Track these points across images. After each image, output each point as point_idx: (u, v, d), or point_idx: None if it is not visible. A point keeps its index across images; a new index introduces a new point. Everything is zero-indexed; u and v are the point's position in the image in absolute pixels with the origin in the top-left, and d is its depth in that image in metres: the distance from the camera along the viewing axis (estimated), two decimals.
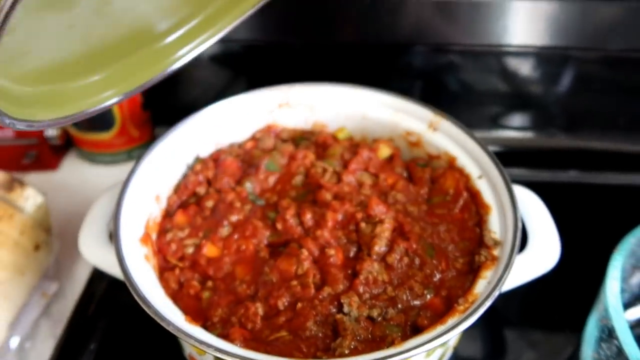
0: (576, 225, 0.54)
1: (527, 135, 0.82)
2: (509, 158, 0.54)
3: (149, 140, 0.81)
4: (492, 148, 0.55)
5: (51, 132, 0.76)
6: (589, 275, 0.57)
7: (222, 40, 0.76)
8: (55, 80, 0.41)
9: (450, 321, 0.41)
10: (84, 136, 0.78)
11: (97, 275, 0.62)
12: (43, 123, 0.41)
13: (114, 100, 0.44)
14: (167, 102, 0.83)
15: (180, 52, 0.48)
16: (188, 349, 0.48)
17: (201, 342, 0.39)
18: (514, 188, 0.51)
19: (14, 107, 0.37)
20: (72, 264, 0.65)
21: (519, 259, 0.47)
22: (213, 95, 0.62)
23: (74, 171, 0.81)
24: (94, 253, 0.50)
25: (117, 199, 0.49)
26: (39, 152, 0.77)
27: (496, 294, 0.42)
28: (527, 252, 0.49)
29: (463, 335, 0.56)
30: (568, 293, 0.61)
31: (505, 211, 0.50)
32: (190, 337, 0.39)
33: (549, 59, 0.76)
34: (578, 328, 0.54)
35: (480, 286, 0.45)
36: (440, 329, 0.41)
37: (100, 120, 0.76)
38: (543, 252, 0.49)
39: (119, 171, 0.79)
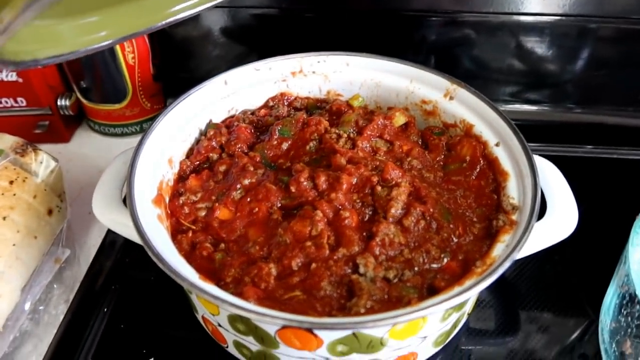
0: (591, 200, 0.53)
1: (543, 109, 0.81)
2: (524, 132, 0.53)
3: (160, 112, 0.81)
4: None
5: (64, 102, 0.76)
6: (603, 249, 0.57)
7: (234, 9, 0.76)
8: (55, 16, 0.41)
9: (468, 282, 0.41)
10: (96, 107, 0.77)
11: (109, 243, 0.62)
12: (45, 60, 0.41)
13: (108, 42, 0.44)
14: (179, 74, 0.82)
15: (178, 7, 0.47)
16: (201, 310, 0.48)
17: (216, 298, 0.38)
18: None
19: (15, 46, 0.37)
20: (84, 233, 0.65)
21: (538, 226, 0.46)
22: (224, 68, 0.61)
23: (86, 143, 0.81)
24: (107, 215, 0.49)
25: (131, 159, 0.48)
26: (50, 122, 0.77)
27: (515, 256, 0.41)
28: (545, 219, 0.48)
29: (476, 308, 0.56)
30: (582, 267, 0.60)
31: (524, 177, 0.49)
32: (206, 292, 0.39)
33: (565, 31, 0.75)
34: (594, 301, 0.54)
35: (498, 249, 0.44)
36: (457, 289, 0.40)
37: (113, 92, 0.76)
38: (561, 218, 0.48)
39: (130, 143, 0.78)
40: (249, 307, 0.38)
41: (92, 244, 0.63)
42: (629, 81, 0.79)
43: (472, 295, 0.40)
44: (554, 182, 0.52)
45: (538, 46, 0.76)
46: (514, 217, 0.47)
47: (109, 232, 0.63)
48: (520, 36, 0.76)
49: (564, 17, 0.72)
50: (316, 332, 0.40)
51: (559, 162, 0.54)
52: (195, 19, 0.76)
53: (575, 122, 0.80)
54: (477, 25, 0.75)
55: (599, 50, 0.76)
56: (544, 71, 0.79)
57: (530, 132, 0.54)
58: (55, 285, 0.58)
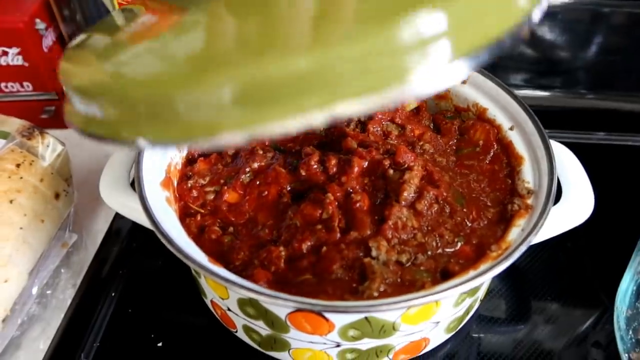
0: (604, 187, 0.53)
1: (555, 95, 0.80)
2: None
3: None
4: None
5: None
6: (616, 236, 0.56)
7: None
8: None
9: (483, 266, 0.40)
10: None
11: (117, 228, 0.62)
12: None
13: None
14: None
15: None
16: (210, 294, 0.47)
17: (227, 280, 0.37)
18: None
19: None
20: (91, 218, 0.65)
21: (553, 210, 0.45)
22: None
23: None
24: (115, 198, 0.49)
25: None
26: (57, 107, 0.76)
27: (531, 240, 0.41)
28: (561, 204, 0.47)
29: (487, 296, 0.55)
30: (596, 255, 0.59)
31: (539, 161, 0.48)
32: (216, 275, 0.38)
33: (578, 16, 0.73)
34: (608, 288, 0.53)
35: (514, 234, 0.43)
36: (472, 273, 0.39)
37: None
38: (578, 203, 0.47)
39: None
40: (260, 290, 0.37)
41: (100, 229, 0.63)
42: None
43: (487, 280, 0.39)
44: (569, 166, 0.50)
45: (550, 31, 0.75)
46: (529, 202, 0.46)
47: (117, 217, 0.63)
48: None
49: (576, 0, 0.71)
50: (328, 315, 0.39)
51: (572, 149, 0.53)
52: None
53: (589, 108, 0.79)
54: None
55: (612, 34, 0.74)
56: (556, 57, 0.77)
57: (542, 119, 0.53)
58: (62, 270, 0.58)
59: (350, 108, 0.25)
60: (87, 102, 0.31)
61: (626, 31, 0.74)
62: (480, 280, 0.38)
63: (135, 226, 0.49)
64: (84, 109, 0.32)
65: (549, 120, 0.73)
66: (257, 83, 0.25)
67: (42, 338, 0.52)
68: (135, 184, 0.44)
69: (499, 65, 0.79)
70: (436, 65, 0.26)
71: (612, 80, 0.79)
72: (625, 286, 0.48)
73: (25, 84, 0.73)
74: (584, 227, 0.47)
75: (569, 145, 0.53)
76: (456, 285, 0.37)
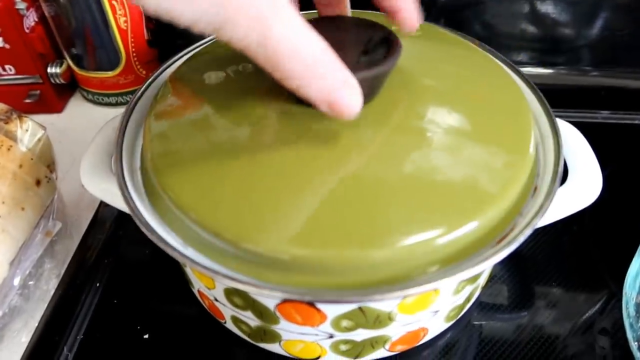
0: (610, 168, 0.50)
1: (559, 72, 0.77)
2: None
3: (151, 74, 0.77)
4: None
5: (54, 70, 0.72)
6: (624, 219, 0.53)
7: None
8: None
9: (485, 252, 0.37)
10: (88, 75, 0.74)
11: (102, 216, 0.60)
12: None
13: None
14: (175, 41, 0.78)
15: None
16: (197, 284, 0.45)
17: (209, 270, 0.35)
18: None
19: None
20: (77, 206, 0.62)
21: (559, 191, 0.43)
22: None
23: (79, 113, 0.77)
24: (96, 184, 0.46)
25: (120, 123, 0.45)
26: (42, 91, 0.74)
27: (536, 223, 0.38)
28: (567, 184, 0.44)
29: (489, 282, 0.52)
30: (603, 238, 0.57)
31: (544, 139, 0.45)
32: (198, 264, 0.35)
33: None
34: (616, 273, 0.50)
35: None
36: (474, 259, 0.36)
37: (105, 58, 0.72)
38: (584, 184, 0.44)
39: None
40: (246, 279, 0.35)
41: (85, 216, 0.61)
42: None
43: (488, 266, 0.36)
44: (575, 145, 0.48)
45: (554, 7, 0.72)
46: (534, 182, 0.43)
47: (102, 204, 0.60)
48: None
49: None
50: (319, 306, 0.37)
51: (577, 128, 0.50)
52: None
53: (593, 85, 0.76)
54: None
55: (617, 10, 0.71)
56: (560, 33, 0.74)
57: (545, 97, 0.51)
58: (46, 260, 0.56)
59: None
60: None
61: (632, 7, 0.71)
62: (481, 267, 0.35)
63: (121, 213, 0.47)
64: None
65: (552, 98, 0.71)
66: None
67: (25, 331, 0.50)
68: (115, 169, 0.42)
69: (501, 43, 0.76)
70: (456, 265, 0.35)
71: (617, 57, 0.76)
72: (635, 271, 0.46)
73: (7, 67, 0.71)
74: (590, 210, 0.45)
75: (572, 124, 0.50)
76: (455, 274, 0.35)
